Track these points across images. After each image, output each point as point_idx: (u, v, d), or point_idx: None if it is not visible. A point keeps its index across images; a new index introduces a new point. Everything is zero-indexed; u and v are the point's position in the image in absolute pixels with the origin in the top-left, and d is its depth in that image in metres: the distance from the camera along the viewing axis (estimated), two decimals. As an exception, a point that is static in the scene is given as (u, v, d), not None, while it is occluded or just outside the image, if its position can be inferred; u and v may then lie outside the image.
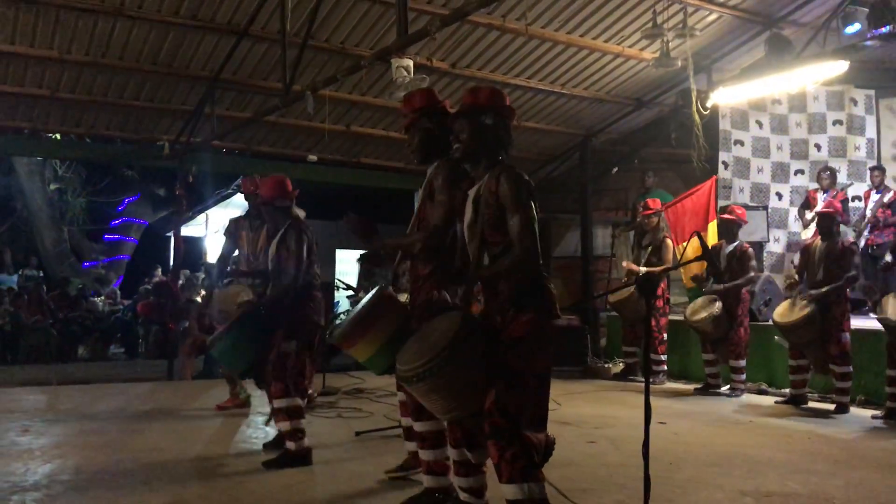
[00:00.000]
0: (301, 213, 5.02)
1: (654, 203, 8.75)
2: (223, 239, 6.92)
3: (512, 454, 2.84)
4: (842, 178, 9.89)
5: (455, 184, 3.53)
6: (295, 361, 4.77)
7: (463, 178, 3.47)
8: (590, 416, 6.43)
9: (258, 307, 4.96)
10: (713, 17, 8.22)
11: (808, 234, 9.08)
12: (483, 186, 3.10)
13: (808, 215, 9.10)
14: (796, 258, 9.55)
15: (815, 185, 9.33)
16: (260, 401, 7.09)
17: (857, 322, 7.37)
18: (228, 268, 6.70)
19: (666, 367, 8.52)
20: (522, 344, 2.94)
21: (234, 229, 6.70)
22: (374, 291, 3.82)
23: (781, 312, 6.88)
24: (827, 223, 6.88)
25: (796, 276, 7.20)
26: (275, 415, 4.86)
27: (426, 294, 3.68)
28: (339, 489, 4.21)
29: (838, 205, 7.43)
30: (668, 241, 8.53)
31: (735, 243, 7.70)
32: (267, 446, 5.17)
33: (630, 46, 8.73)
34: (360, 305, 3.81)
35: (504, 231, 3.02)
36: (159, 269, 14.82)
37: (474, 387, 2.93)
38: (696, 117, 7.75)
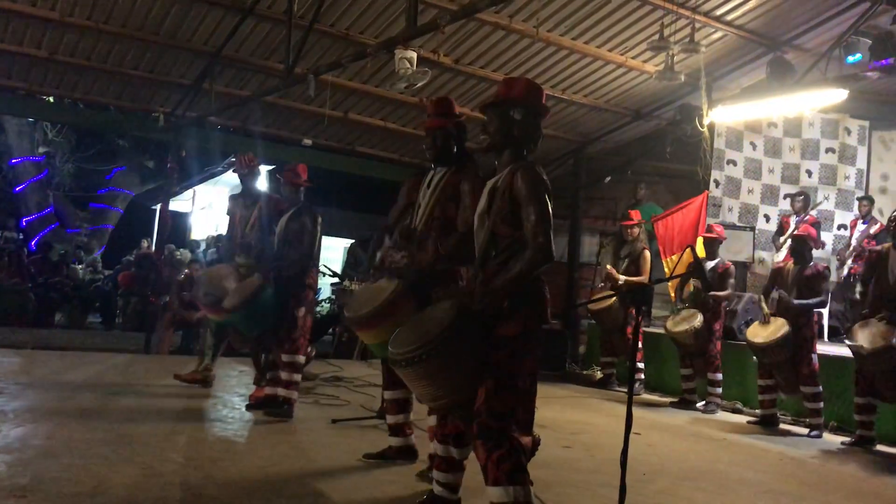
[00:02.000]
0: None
1: (636, 214, 8.84)
2: (226, 219, 6.72)
3: (499, 455, 2.83)
4: (829, 206, 10.00)
5: (480, 191, 3.57)
6: (302, 324, 5.61)
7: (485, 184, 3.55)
8: (566, 421, 6.46)
9: (268, 280, 5.62)
10: (718, 35, 8.25)
11: (779, 257, 9.19)
12: (502, 179, 3.06)
13: (781, 239, 9.22)
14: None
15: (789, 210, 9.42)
16: (230, 382, 7.07)
17: (833, 349, 7.45)
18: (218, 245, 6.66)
19: (644, 377, 8.58)
20: (512, 344, 2.92)
21: (232, 208, 6.55)
22: (392, 282, 3.80)
23: (754, 332, 6.93)
24: (800, 247, 6.97)
25: (762, 298, 7.23)
26: (281, 367, 5.59)
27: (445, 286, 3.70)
28: (311, 471, 4.20)
29: (812, 230, 7.55)
30: (647, 253, 8.59)
31: (716, 260, 7.80)
32: (249, 408, 5.81)
33: (633, 57, 8.76)
34: (379, 293, 3.78)
35: (513, 225, 2.97)
36: (145, 242, 14.66)
37: (463, 378, 2.93)
38: (707, 132, 7.87)
